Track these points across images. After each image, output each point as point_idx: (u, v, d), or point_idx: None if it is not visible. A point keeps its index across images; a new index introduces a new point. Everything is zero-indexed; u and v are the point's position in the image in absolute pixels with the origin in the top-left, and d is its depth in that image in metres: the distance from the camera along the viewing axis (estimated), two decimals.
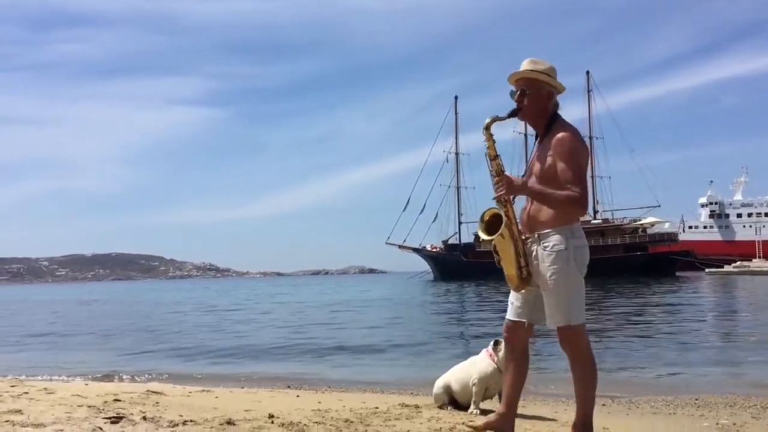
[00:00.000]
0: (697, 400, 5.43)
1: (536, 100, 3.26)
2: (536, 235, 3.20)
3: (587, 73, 67.74)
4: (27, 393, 4.75)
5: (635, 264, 55.08)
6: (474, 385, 4.25)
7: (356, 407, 4.35)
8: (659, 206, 61.85)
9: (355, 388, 6.40)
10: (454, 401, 4.44)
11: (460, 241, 67.37)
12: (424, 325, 14.80)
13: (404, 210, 65.12)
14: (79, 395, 4.62)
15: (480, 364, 4.32)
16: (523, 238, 3.25)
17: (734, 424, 4.18)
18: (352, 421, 3.76)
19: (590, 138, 65.64)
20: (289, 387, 6.31)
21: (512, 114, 3.30)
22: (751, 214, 72.38)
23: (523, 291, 3.28)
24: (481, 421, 3.48)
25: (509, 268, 3.24)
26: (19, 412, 3.77)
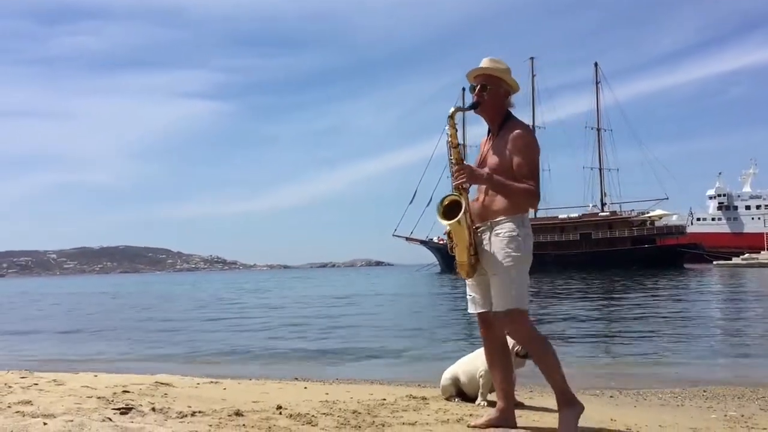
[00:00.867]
0: (705, 392, 5.42)
1: (495, 96, 3.41)
2: (489, 223, 3.32)
3: (595, 65, 67.49)
4: (36, 384, 4.78)
5: (643, 256, 54.97)
6: (481, 377, 4.25)
7: (364, 398, 4.36)
8: (667, 198, 61.69)
9: (363, 379, 6.42)
10: (461, 393, 4.43)
11: None
12: (430, 317, 14.82)
13: (411, 202, 64.99)
14: (88, 386, 4.64)
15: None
16: (474, 227, 3.36)
17: (742, 415, 4.17)
18: (359, 413, 3.77)
19: (598, 130, 65.44)
20: (296, 379, 6.33)
21: (473, 106, 3.44)
22: (760, 206, 72.00)
23: (476, 282, 3.39)
24: (482, 419, 3.49)
25: (461, 256, 3.34)
26: (29, 403, 3.79)
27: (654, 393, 5.40)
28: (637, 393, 5.40)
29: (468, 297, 3.51)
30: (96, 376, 5.79)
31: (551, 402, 4.53)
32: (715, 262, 52.94)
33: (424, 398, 4.39)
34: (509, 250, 3.23)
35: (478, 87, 3.40)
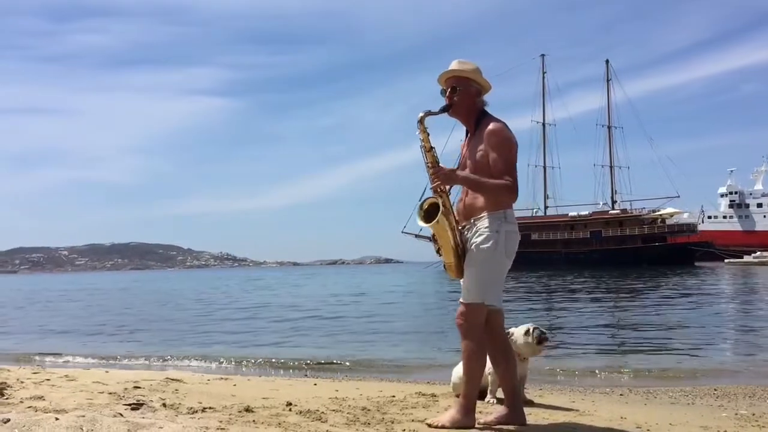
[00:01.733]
0: (715, 390, 5.40)
1: (466, 97, 3.44)
2: (472, 221, 3.35)
3: (606, 62, 67.18)
4: (48, 380, 4.82)
5: (653, 254, 54.72)
6: (490, 374, 4.25)
7: (373, 395, 4.37)
8: (678, 196, 61.29)
9: (372, 376, 6.43)
10: None
11: None
12: (440, 314, 14.81)
13: (420, 199, 64.76)
14: (99, 382, 4.67)
15: None
16: (460, 227, 3.39)
17: (753, 414, 4.15)
18: (369, 409, 3.78)
19: (609, 128, 65.17)
20: (306, 375, 6.35)
21: (444, 109, 3.47)
22: None
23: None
24: (492, 416, 3.49)
25: (448, 256, 3.37)
26: (41, 398, 3.82)
27: (664, 391, 5.38)
28: (647, 391, 5.38)
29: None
30: (107, 371, 5.84)
31: (561, 400, 4.53)
32: (726, 260, 52.59)
33: (433, 395, 4.40)
34: (483, 246, 3.26)
35: (449, 90, 3.45)
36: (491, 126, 3.35)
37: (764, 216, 71.15)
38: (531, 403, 4.20)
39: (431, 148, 3.42)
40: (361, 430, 3.26)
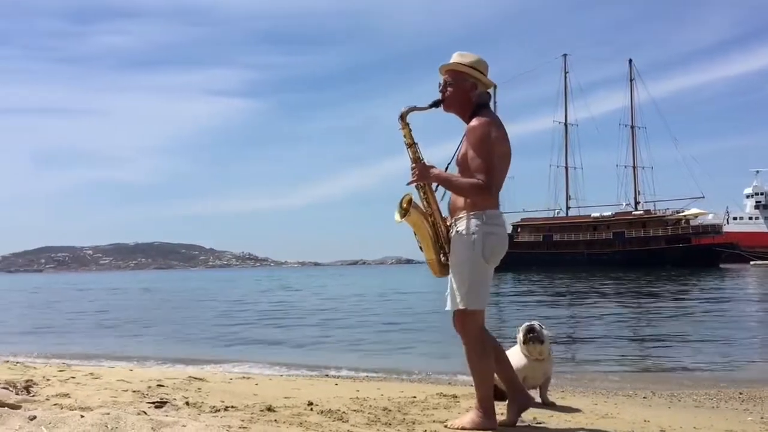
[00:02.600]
0: (741, 394, 5.33)
1: (458, 91, 3.34)
2: (453, 220, 3.30)
3: (629, 61, 66.37)
4: (74, 378, 4.88)
5: (678, 256, 54.06)
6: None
7: (394, 396, 4.37)
8: (703, 197, 60.34)
9: (393, 377, 6.43)
10: (495, 389, 4.42)
11: None
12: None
13: (441, 200, 64.67)
14: (123, 380, 4.72)
15: (515, 355, 4.30)
16: (448, 224, 3.33)
17: None
18: (390, 410, 3.78)
19: (632, 127, 64.52)
20: (327, 376, 6.37)
21: (434, 104, 3.38)
22: None
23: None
24: (510, 415, 3.46)
25: (428, 253, 3.33)
26: (66, 396, 3.87)
27: (688, 394, 5.32)
28: (671, 394, 5.33)
29: (446, 295, 3.40)
30: (131, 370, 5.90)
31: (583, 402, 4.50)
32: (752, 262, 51.86)
33: (454, 396, 4.39)
34: (461, 251, 3.19)
35: (441, 84, 3.38)
36: (473, 122, 3.24)
37: None
38: (553, 405, 4.18)
39: (413, 143, 3.36)
40: (382, 430, 3.27)
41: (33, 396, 3.77)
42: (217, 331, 12.11)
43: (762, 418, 4.14)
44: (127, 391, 4.11)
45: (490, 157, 3.18)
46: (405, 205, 3.33)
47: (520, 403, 3.42)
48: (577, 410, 4.10)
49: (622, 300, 18.62)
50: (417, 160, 3.34)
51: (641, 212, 61.77)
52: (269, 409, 3.62)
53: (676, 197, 63.81)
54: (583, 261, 55.96)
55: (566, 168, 65.39)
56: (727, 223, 68.05)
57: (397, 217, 3.31)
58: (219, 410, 3.55)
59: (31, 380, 4.34)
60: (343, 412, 3.62)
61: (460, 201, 3.27)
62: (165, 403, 3.65)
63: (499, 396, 4.16)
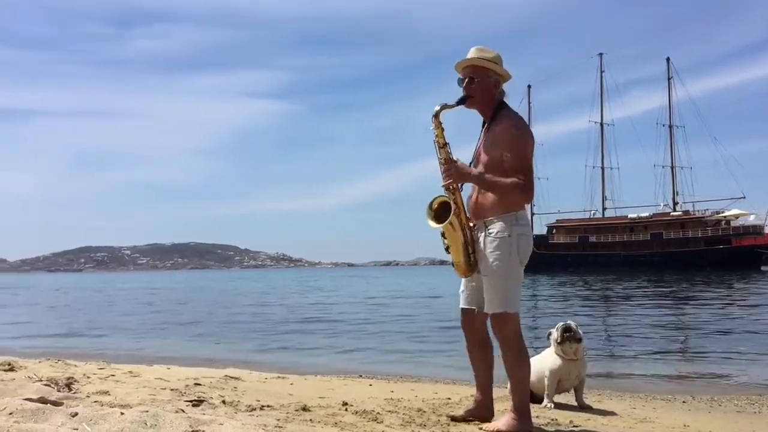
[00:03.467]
0: None
1: (483, 88, 3.33)
2: (483, 222, 3.27)
3: (667, 60, 65.22)
4: (113, 376, 4.97)
5: (717, 258, 52.92)
6: (546, 378, 4.20)
7: (428, 397, 4.36)
8: (744, 197, 58.95)
9: (428, 378, 6.42)
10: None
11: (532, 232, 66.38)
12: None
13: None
14: (161, 379, 4.80)
15: (549, 357, 4.27)
16: (471, 225, 3.32)
17: None
18: (424, 411, 3.78)
19: (670, 127, 63.40)
20: (361, 376, 6.38)
21: (461, 101, 3.36)
22: None
23: (471, 279, 3.35)
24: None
25: (457, 256, 3.30)
26: (106, 393, 3.95)
27: (729, 399, 5.22)
28: (711, 399, 5.23)
29: (460, 292, 3.46)
30: (169, 368, 5.99)
31: (620, 406, 4.44)
32: None
33: None
34: (498, 253, 3.18)
35: (466, 80, 3.34)
36: (506, 122, 3.26)
37: None
38: (589, 409, 4.13)
39: (445, 143, 3.33)
40: (417, 431, 3.27)
41: (74, 393, 3.85)
42: (259, 334, 12.14)
43: None
44: (165, 389, 4.18)
45: (527, 157, 3.22)
46: (436, 207, 3.32)
47: (482, 411, 3.44)
48: (613, 414, 4.05)
49: (660, 302, 18.31)
50: (449, 160, 3.32)
51: (680, 213, 60.61)
52: (304, 408, 3.65)
53: (716, 198, 62.40)
54: (620, 262, 55.14)
55: (602, 168, 64.57)
56: None
57: (433, 223, 3.29)
58: (255, 409, 3.58)
59: (72, 378, 4.44)
60: (378, 413, 3.63)
61: (490, 201, 3.25)
62: (202, 401, 3.70)
63: (535, 399, 4.14)
